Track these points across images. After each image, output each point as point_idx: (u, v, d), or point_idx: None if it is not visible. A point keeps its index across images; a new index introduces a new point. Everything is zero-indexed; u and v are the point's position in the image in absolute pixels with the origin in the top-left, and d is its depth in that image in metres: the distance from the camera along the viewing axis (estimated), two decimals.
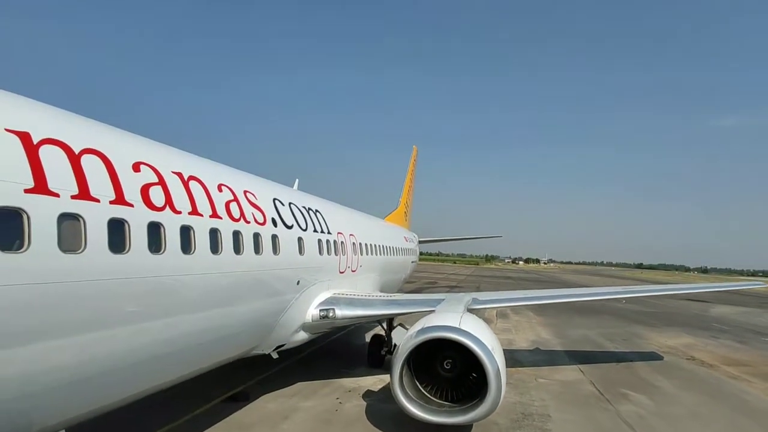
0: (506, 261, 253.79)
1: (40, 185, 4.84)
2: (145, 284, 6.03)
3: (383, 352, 15.05)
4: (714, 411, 12.23)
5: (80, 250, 5.13)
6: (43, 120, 5.46)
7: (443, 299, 12.54)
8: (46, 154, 5.05)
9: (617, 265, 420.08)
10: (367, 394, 12.28)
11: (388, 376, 14.06)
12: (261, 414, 10.51)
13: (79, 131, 5.90)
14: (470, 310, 11.29)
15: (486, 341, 8.76)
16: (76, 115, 6.35)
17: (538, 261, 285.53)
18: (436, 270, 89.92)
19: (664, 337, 24.15)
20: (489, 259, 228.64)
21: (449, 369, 9.75)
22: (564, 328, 24.99)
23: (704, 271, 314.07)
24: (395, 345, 14.45)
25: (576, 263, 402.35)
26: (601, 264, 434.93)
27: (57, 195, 4.98)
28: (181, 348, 6.99)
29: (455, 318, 9.37)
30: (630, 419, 11.24)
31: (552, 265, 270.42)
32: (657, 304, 39.23)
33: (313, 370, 14.24)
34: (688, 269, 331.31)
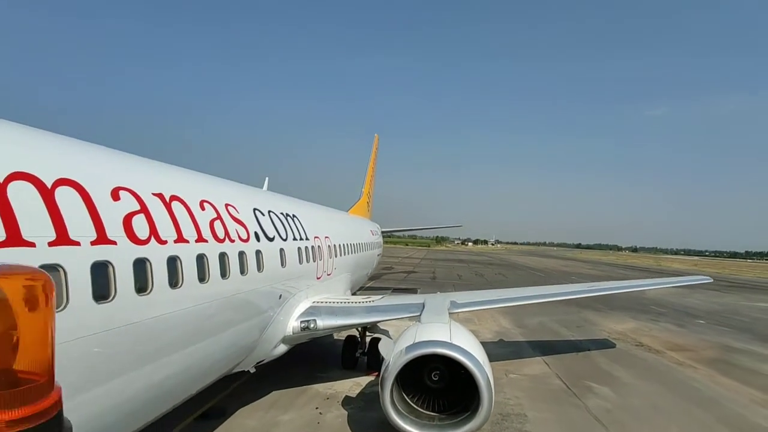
0: (456, 243, 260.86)
1: (13, 236, 4.10)
2: (132, 332, 5.38)
3: (357, 354, 14.91)
4: (670, 402, 13.15)
5: (61, 308, 4.40)
6: (9, 147, 4.64)
7: (423, 302, 12.53)
8: (16, 193, 4.28)
9: (558, 245, 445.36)
10: (347, 402, 12.12)
11: (364, 379, 14.12)
12: None
13: (50, 156, 5.07)
14: (450, 315, 11.35)
15: (476, 354, 8.79)
16: (41, 132, 5.43)
17: (486, 242, 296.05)
18: (389, 254, 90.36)
19: (611, 322, 25.87)
20: (439, 241, 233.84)
21: (437, 380, 9.75)
22: (521, 316, 25.97)
23: (634, 250, 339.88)
24: (369, 343, 14.36)
25: (521, 243, 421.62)
26: (543, 244, 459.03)
27: (33, 245, 4.23)
28: (169, 388, 6.44)
29: (444, 331, 9.32)
30: (599, 415, 11.88)
31: (499, 246, 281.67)
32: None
33: (287, 375, 13.84)
34: (620, 248, 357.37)
